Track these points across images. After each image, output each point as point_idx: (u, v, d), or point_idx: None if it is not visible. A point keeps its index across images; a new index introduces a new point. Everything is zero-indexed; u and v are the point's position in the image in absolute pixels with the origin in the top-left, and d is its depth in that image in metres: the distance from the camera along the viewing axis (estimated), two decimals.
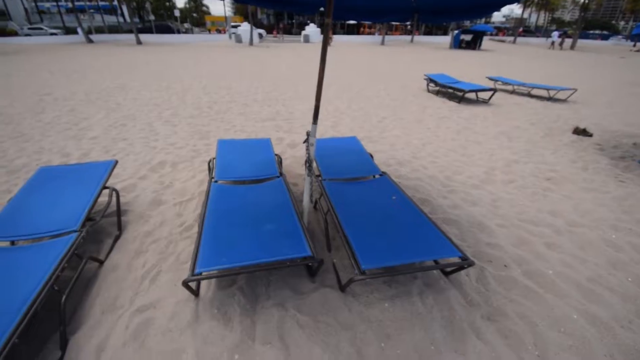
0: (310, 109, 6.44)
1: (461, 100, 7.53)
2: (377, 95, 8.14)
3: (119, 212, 2.74)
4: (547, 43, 31.02)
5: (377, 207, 2.55)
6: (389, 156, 4.33)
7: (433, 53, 21.93)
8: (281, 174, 3.03)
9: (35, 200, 2.46)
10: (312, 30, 29.99)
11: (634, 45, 34.82)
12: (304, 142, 2.41)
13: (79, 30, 24.79)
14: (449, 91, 8.25)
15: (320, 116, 5.92)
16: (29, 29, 29.40)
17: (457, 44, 26.68)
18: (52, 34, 28.27)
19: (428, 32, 43.82)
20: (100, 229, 2.67)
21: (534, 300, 2.08)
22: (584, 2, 29.93)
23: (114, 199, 2.75)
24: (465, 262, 1.99)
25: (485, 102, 7.59)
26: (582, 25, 31.12)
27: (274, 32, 34.81)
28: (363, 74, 11.76)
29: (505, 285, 2.19)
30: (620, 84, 10.82)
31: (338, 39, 31.12)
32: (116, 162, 2.98)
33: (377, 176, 3.12)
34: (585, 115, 6.66)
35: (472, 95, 7.95)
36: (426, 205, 3.15)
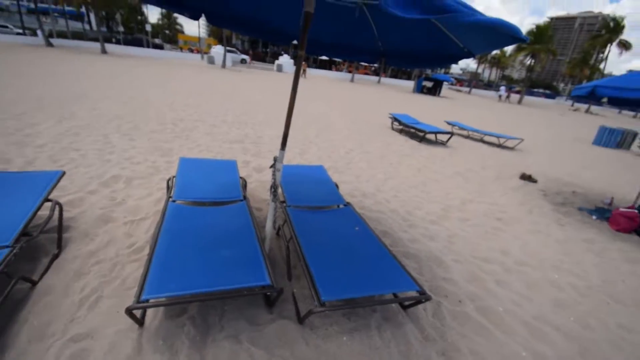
0: (279, 135, 6.46)
1: (422, 140, 8.05)
2: (345, 128, 8.45)
3: (60, 228, 2.47)
4: (495, 96, 34.70)
5: (340, 237, 2.55)
6: (354, 187, 4.43)
7: (398, 95, 23.51)
8: (245, 197, 2.96)
9: None
10: (285, 60, 30.97)
11: (572, 105, 40.02)
12: (271, 167, 2.39)
13: (38, 32, 23.44)
14: (411, 131, 8.79)
15: (289, 143, 5.94)
16: None
17: (420, 89, 28.91)
18: (18, 33, 26.52)
19: (394, 76, 47.11)
20: (37, 246, 2.38)
21: (485, 336, 2.14)
22: (530, 64, 34.42)
23: (56, 213, 2.48)
24: (422, 297, 2.02)
25: (443, 143, 8.17)
26: (528, 83, 35.49)
27: (249, 58, 35.49)
28: (333, 107, 12.22)
29: (459, 320, 2.25)
30: (561, 138, 12.28)
31: (310, 72, 32.36)
32: (63, 173, 2.73)
33: (341, 206, 3.16)
34: (531, 162, 7.40)
35: (432, 137, 8.53)
36: (387, 237, 3.21)
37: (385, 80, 39.73)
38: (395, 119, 9.20)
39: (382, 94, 22.53)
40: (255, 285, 1.84)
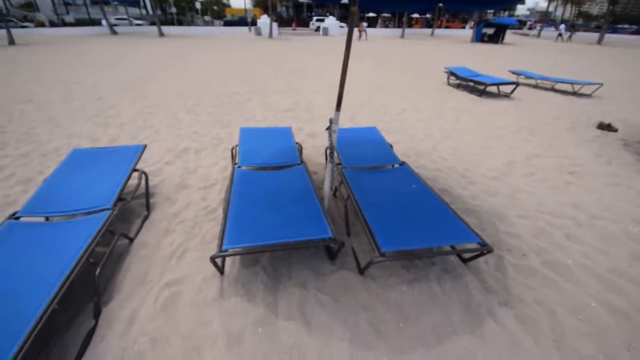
0: (329, 101, 6.47)
1: (482, 93, 7.39)
2: (397, 87, 8.08)
3: (147, 194, 2.88)
4: (554, 37, 29.80)
5: (397, 194, 2.59)
6: (408, 147, 4.33)
7: (454, 47, 21.41)
8: (302, 161, 3.11)
9: (69, 180, 2.62)
10: (331, 22, 29.73)
11: None
12: (327, 129, 2.46)
13: (103, 21, 25.48)
14: (470, 85, 8.09)
15: (345, 107, 5.88)
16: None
17: (479, 38, 25.92)
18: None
19: (447, 27, 42.60)
20: (130, 210, 2.82)
21: (552, 288, 2.09)
22: None
23: (143, 181, 2.89)
24: (484, 248, 2.02)
25: (507, 96, 7.42)
26: (610, 19, 29.63)
27: (293, 25, 34.75)
28: (383, 66, 11.65)
29: (523, 273, 2.21)
30: None
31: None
32: (145, 146, 3.12)
33: (396, 165, 3.15)
34: (611, 110, 6.42)
35: (493, 89, 7.78)
36: (445, 195, 3.16)
37: (439, 31, 36.22)
38: (451, 72, 8.52)
39: (437, 47, 20.70)
40: (318, 238, 1.99)
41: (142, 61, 11.56)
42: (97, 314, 1.82)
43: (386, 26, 41.18)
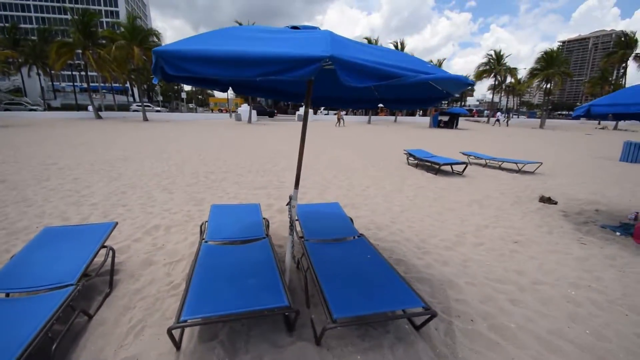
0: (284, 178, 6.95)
1: (437, 172, 8.24)
2: (362, 167, 8.86)
3: (112, 271, 2.91)
4: (491, 123, 35.12)
5: (352, 264, 2.80)
6: (369, 221, 4.67)
7: (415, 131, 24.05)
8: (267, 235, 3.31)
9: (37, 256, 2.67)
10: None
11: (599, 123, 38.63)
12: (287, 204, 2.76)
13: (89, 107, 26.98)
14: (427, 164, 9.02)
15: (309, 185, 6.36)
16: (5, 104, 32.86)
17: (436, 124, 29.37)
18: (31, 109, 31.90)
19: (410, 114, 48.14)
20: (94, 286, 2.81)
21: (497, 351, 2.22)
22: (547, 88, 34.44)
23: (109, 258, 2.95)
24: (429, 312, 2.19)
25: (459, 174, 8.30)
26: (548, 107, 35.19)
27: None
28: (351, 148, 12.79)
29: (470, 338, 2.35)
30: (585, 158, 11.96)
31: (324, 118, 34.00)
32: (116, 223, 3.25)
33: (355, 237, 3.42)
34: (552, 185, 7.31)
35: (447, 168, 8.70)
36: (401, 265, 3.38)
37: (402, 118, 40.72)
38: (410, 154, 9.52)
39: (399, 132, 23.14)
40: (274, 306, 2.11)
41: (122, 143, 12.10)
42: None
43: (354, 114, 45.96)
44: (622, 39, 35.97)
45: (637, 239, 4.04)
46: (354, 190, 6.34)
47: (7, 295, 2.36)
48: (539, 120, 33.10)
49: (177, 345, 2.12)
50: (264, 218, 3.77)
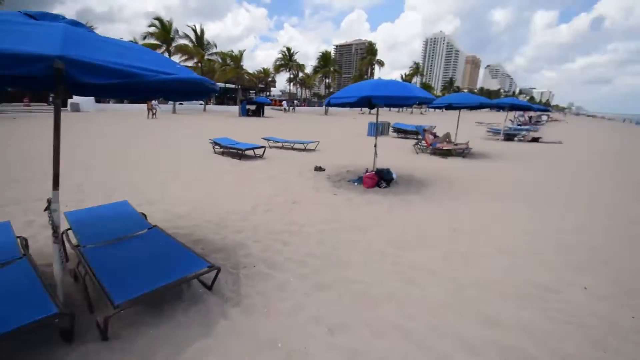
0: (61, 185, 5.88)
1: (241, 157, 8.93)
2: (161, 160, 8.31)
3: None
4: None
5: (139, 255, 2.83)
6: (168, 211, 4.66)
7: (225, 120, 24.31)
8: (24, 255, 2.78)
9: None
10: (83, 98, 26.23)
11: (361, 110, 51.39)
12: (45, 209, 2.41)
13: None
14: (232, 151, 9.55)
15: (97, 188, 5.54)
16: None
17: (245, 112, 30.69)
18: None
19: (220, 102, 46.83)
20: None
21: (268, 279, 2.95)
22: (326, 82, 42.76)
23: None
24: (213, 268, 2.60)
25: (260, 156, 9.32)
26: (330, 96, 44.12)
27: (25, 100, 26.66)
28: (150, 142, 11.60)
29: (252, 278, 2.97)
30: (347, 136, 15.90)
31: (129, 108, 28.79)
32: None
33: (147, 230, 3.39)
34: (324, 157, 9.49)
35: (251, 153, 9.54)
36: (200, 243, 3.67)
37: (211, 107, 39.39)
38: (215, 143, 9.75)
39: (208, 121, 22.65)
40: (41, 317, 1.91)
41: None
42: None
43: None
44: (369, 47, 49.21)
45: (365, 185, 6.04)
46: (150, 185, 5.99)
47: None
48: (324, 108, 40.93)
49: None
50: (18, 237, 3.09)
